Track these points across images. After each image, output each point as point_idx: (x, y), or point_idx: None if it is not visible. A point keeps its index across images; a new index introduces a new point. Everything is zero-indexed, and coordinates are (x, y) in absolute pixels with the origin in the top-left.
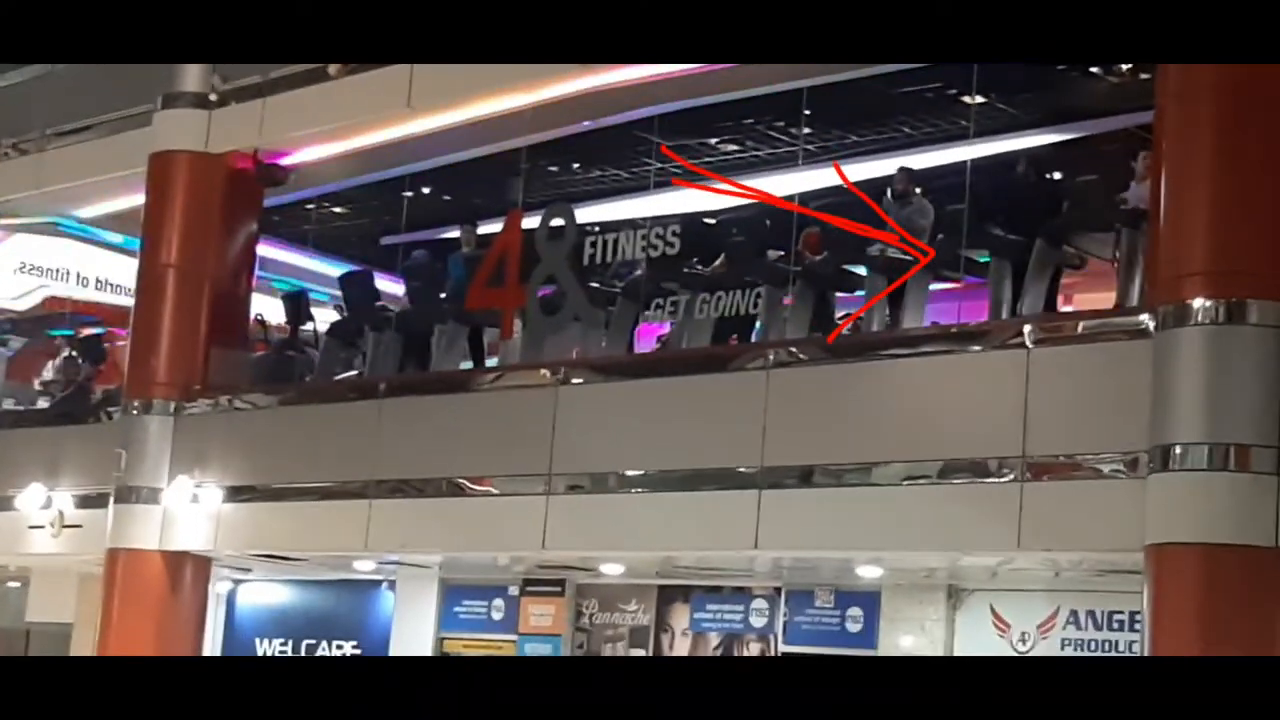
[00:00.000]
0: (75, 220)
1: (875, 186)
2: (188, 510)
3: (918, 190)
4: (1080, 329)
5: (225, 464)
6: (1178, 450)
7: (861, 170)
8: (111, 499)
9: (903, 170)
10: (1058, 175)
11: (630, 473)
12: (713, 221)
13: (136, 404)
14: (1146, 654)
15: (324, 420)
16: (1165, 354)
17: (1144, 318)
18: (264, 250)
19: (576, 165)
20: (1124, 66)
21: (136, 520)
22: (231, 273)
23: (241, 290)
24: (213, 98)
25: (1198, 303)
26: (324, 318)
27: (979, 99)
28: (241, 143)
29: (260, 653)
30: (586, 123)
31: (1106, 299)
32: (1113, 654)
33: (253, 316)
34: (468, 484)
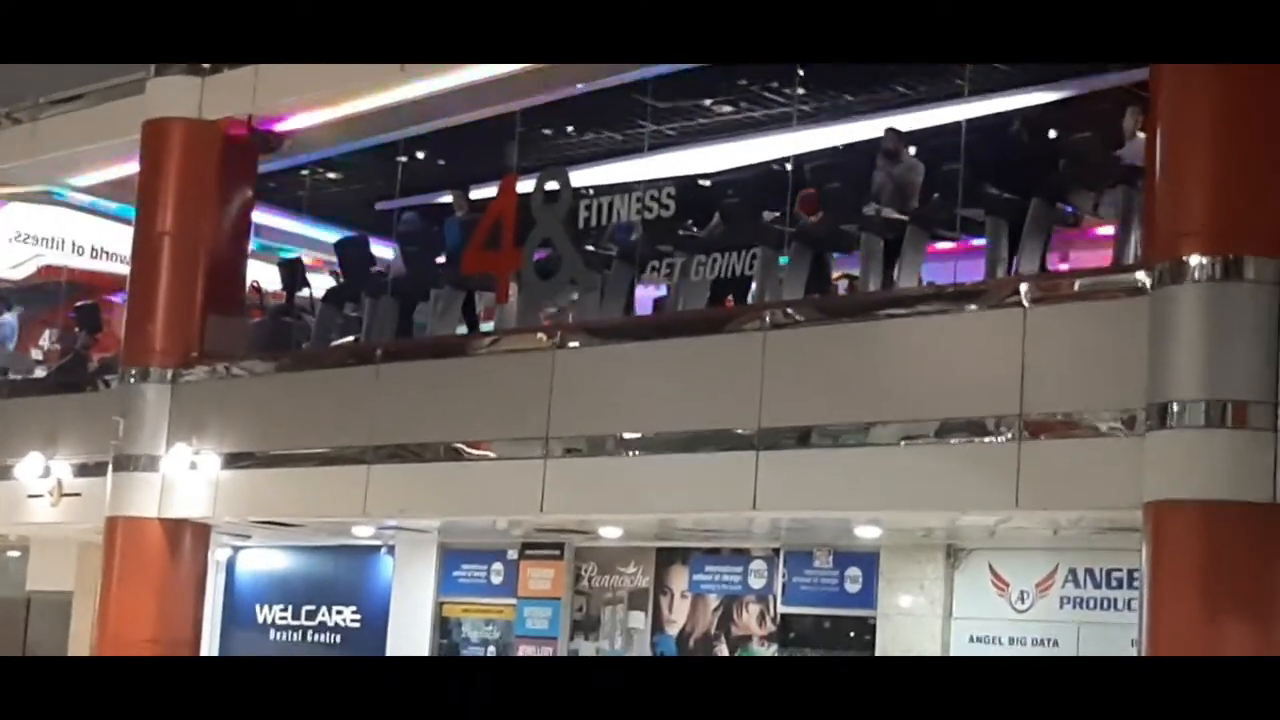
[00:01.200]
0: (70, 188)
1: (871, 147)
2: (186, 477)
3: (910, 149)
4: (1077, 287)
5: (223, 431)
6: (1175, 408)
7: (857, 130)
8: (110, 467)
9: (891, 130)
10: (1053, 133)
11: (628, 435)
12: (708, 183)
13: (134, 372)
14: (1146, 609)
15: (321, 386)
16: (1162, 311)
17: (1140, 275)
18: (259, 217)
19: (571, 129)
20: None
21: (135, 488)
22: (227, 240)
23: (237, 257)
24: (206, 65)
25: (1194, 259)
26: (320, 283)
27: None
28: (235, 109)
29: (260, 618)
30: (580, 86)
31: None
32: (1112, 611)
33: (249, 283)
34: (465, 448)
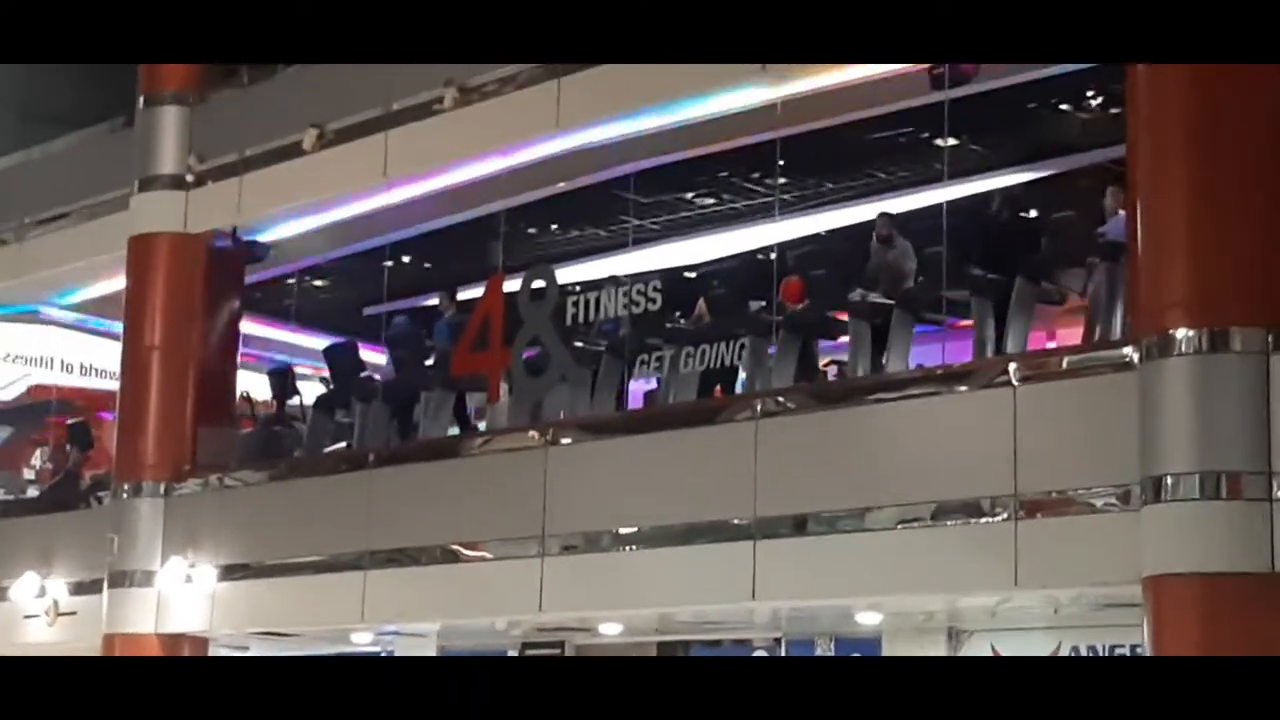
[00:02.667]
0: (57, 307)
1: (854, 233)
2: (182, 591)
3: (899, 235)
4: (1065, 364)
5: (218, 543)
6: (1169, 481)
7: (839, 217)
8: (105, 584)
9: (884, 215)
10: (1034, 213)
11: (624, 530)
12: (693, 275)
13: (126, 487)
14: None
15: (315, 494)
16: (1151, 385)
17: (1128, 350)
18: (247, 327)
19: (555, 226)
20: (1094, 102)
21: (131, 604)
22: (215, 351)
23: (226, 368)
24: (189, 178)
25: (1180, 332)
26: (310, 391)
27: (951, 141)
28: (220, 221)
29: None
30: (562, 184)
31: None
32: None
33: (239, 394)
34: (462, 550)
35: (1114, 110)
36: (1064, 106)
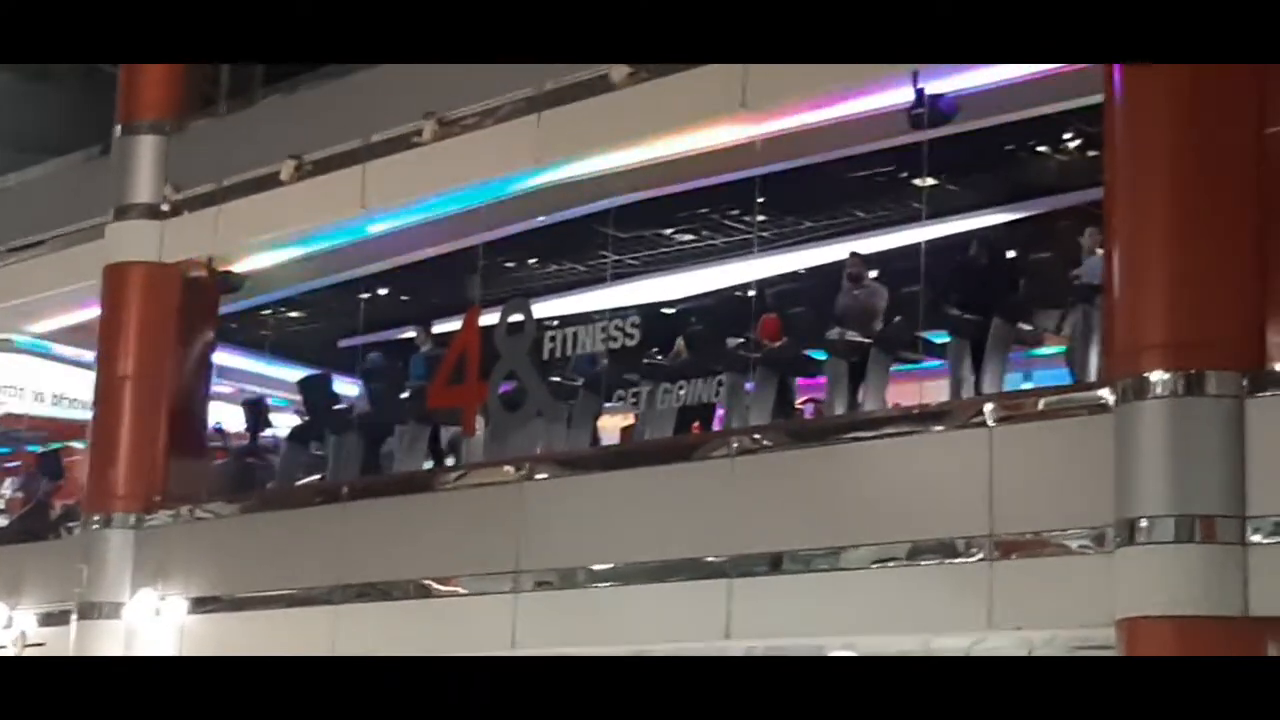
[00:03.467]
0: (30, 336)
1: (832, 271)
2: (151, 624)
3: (871, 274)
4: (1041, 406)
5: (188, 575)
6: (1143, 524)
7: (817, 255)
8: (74, 615)
9: (854, 255)
10: (1011, 253)
11: (598, 567)
12: (671, 311)
13: (96, 518)
14: None
15: (287, 526)
16: (1126, 428)
17: (1104, 392)
18: (221, 358)
19: (533, 261)
20: (1071, 144)
21: (100, 636)
22: (189, 382)
23: (199, 399)
24: (165, 208)
25: (1156, 375)
26: (284, 423)
27: (929, 181)
28: (195, 251)
29: None
30: (541, 218)
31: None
32: None
33: (212, 425)
34: (434, 585)
35: (1092, 152)
36: (1042, 148)
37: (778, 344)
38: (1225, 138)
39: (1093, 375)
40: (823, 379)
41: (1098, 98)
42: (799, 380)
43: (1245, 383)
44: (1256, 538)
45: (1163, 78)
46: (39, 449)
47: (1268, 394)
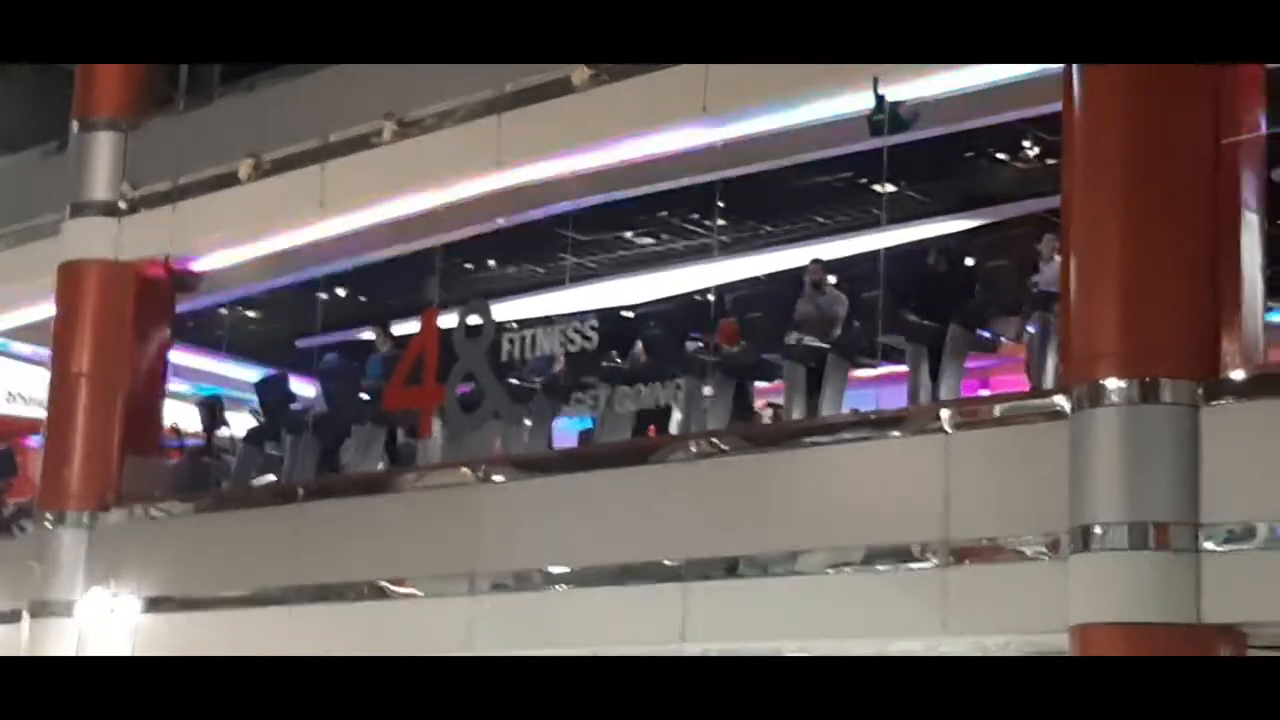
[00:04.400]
0: None
1: (791, 276)
2: (105, 623)
3: (831, 280)
4: (998, 412)
5: (142, 574)
6: (1098, 530)
7: (777, 260)
8: (26, 614)
9: (815, 261)
10: (969, 260)
11: (554, 569)
12: (630, 315)
13: (50, 516)
14: None
15: (242, 526)
16: (1081, 435)
17: (1059, 399)
18: (177, 357)
19: (492, 262)
20: (1030, 152)
21: (52, 635)
22: (144, 381)
23: (155, 398)
24: (122, 205)
25: (1111, 383)
26: (240, 422)
27: (889, 187)
28: (152, 250)
29: None
30: (500, 220)
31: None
32: None
33: (167, 424)
34: (390, 586)
35: (1050, 161)
36: (1001, 156)
37: (736, 348)
38: (1180, 148)
39: (1050, 382)
40: (781, 383)
41: (1056, 106)
42: (756, 385)
43: (1199, 390)
44: (1209, 545)
45: (1120, 88)
46: None
47: (1221, 402)
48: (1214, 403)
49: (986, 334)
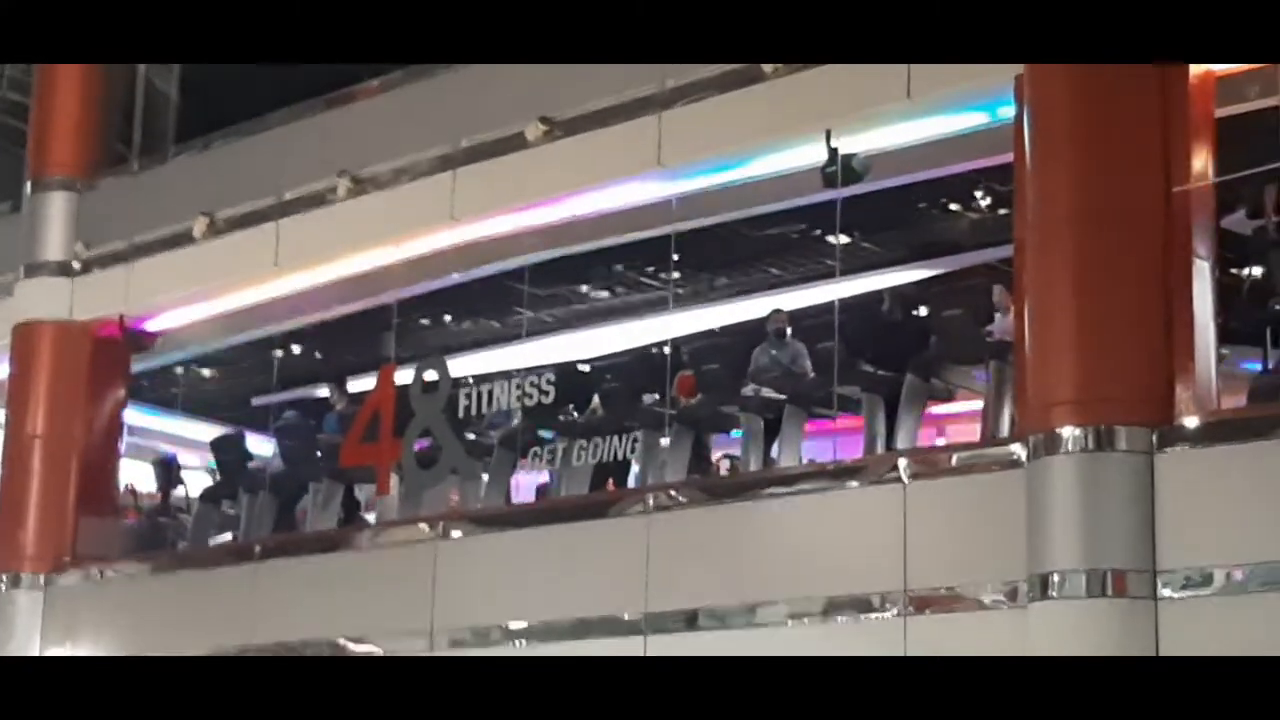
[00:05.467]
0: None
1: (747, 328)
2: None
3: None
4: (954, 461)
5: (98, 636)
6: (1056, 578)
7: (732, 312)
8: None
9: (778, 311)
10: (924, 310)
11: (514, 625)
12: (587, 368)
13: (4, 578)
14: None
15: (199, 586)
16: (1038, 483)
17: (1015, 448)
18: (132, 416)
19: (448, 318)
20: (982, 202)
21: None
22: (99, 441)
23: (110, 459)
24: (76, 265)
25: (1067, 431)
26: (196, 482)
27: (843, 239)
28: (107, 310)
29: None
30: (456, 275)
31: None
32: None
33: (123, 484)
34: (348, 644)
35: (1002, 210)
36: (953, 206)
37: (693, 400)
38: (1131, 196)
39: (1005, 431)
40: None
41: (1007, 157)
42: (715, 437)
43: (1154, 438)
44: (1167, 591)
45: (1070, 137)
46: None
47: (1176, 448)
48: (1168, 450)
49: (941, 383)
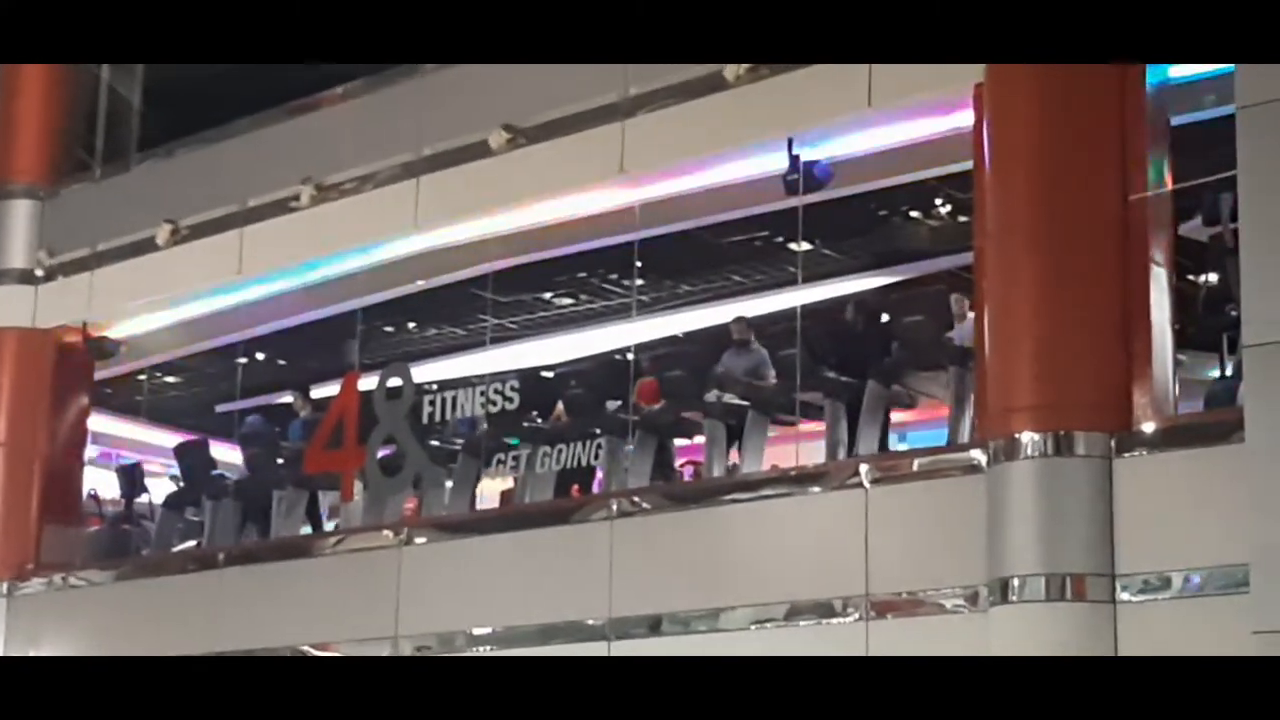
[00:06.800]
0: None
1: (710, 334)
2: None
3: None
4: (915, 467)
5: (61, 643)
6: (1015, 582)
7: (695, 319)
8: None
9: (739, 319)
10: (885, 317)
11: (477, 631)
12: (550, 375)
13: None
14: None
15: (162, 593)
16: (998, 488)
17: (976, 453)
18: (96, 423)
19: (412, 325)
20: (942, 210)
21: None
22: (63, 449)
23: (74, 465)
24: (39, 273)
25: (1026, 436)
26: (160, 488)
27: (805, 246)
28: (70, 317)
29: None
30: (420, 283)
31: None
32: None
33: (86, 491)
34: (312, 650)
35: (962, 218)
36: (914, 214)
37: (657, 406)
38: (1089, 204)
39: (966, 437)
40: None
41: (967, 164)
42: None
43: (1112, 443)
44: (1125, 595)
45: (1028, 145)
46: None
47: (1134, 454)
48: (1127, 455)
49: (903, 389)
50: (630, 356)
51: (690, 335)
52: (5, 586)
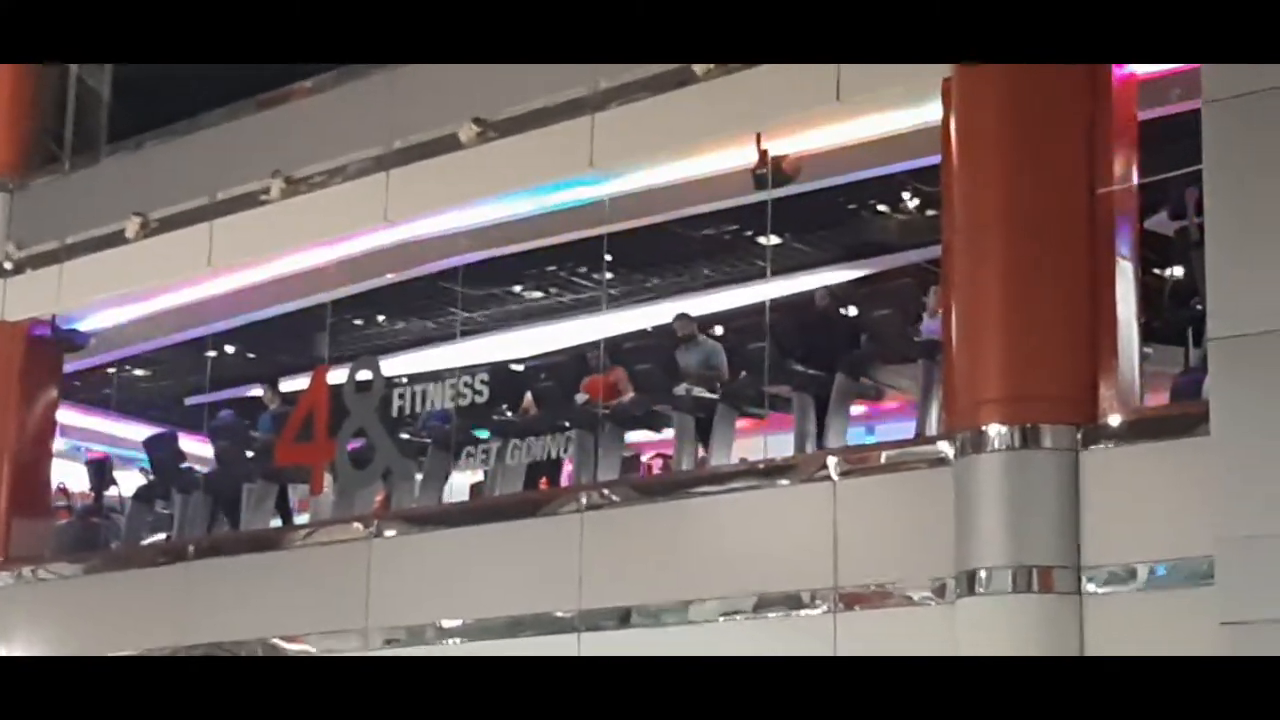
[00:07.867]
0: None
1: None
2: None
3: (704, 333)
4: (883, 459)
5: (30, 637)
6: (982, 574)
7: (664, 312)
8: None
9: (681, 316)
10: (854, 310)
11: (447, 623)
12: (520, 368)
13: None
14: None
15: (132, 586)
16: (965, 480)
17: (943, 445)
18: (65, 416)
19: (382, 318)
20: (910, 204)
21: None
22: (31, 442)
23: (42, 459)
24: (8, 265)
25: (993, 429)
26: (129, 481)
27: (774, 239)
28: (39, 310)
29: None
30: (390, 276)
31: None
32: None
33: (55, 484)
34: (282, 644)
35: (930, 212)
36: (882, 208)
37: (627, 399)
38: (1056, 198)
39: (934, 429)
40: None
41: (935, 159)
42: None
43: (1079, 436)
44: (1091, 587)
45: (996, 139)
46: None
47: (1100, 446)
48: (1093, 447)
49: (871, 382)
50: (600, 350)
51: (660, 328)
52: None
